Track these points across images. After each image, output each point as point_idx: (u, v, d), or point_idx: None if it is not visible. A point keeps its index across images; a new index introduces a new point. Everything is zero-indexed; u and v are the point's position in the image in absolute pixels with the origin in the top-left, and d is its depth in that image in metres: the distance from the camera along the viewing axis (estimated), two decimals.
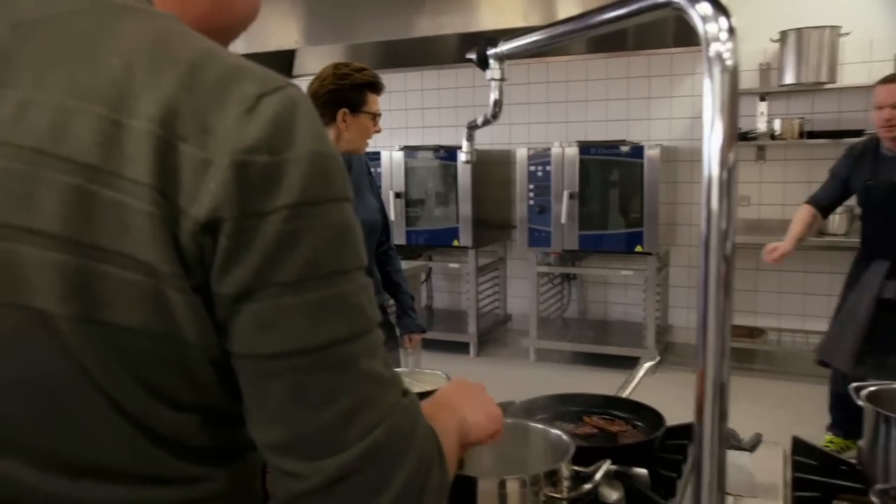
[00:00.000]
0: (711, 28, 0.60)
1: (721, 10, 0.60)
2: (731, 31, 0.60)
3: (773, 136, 4.78)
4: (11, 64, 0.53)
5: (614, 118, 5.27)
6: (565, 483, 0.95)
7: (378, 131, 2.14)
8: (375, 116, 2.11)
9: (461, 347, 5.20)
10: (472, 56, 1.00)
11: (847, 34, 4.53)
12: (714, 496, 0.64)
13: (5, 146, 0.51)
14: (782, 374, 4.62)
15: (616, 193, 4.67)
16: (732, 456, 1.28)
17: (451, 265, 5.44)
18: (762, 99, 4.90)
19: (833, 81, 4.55)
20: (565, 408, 1.45)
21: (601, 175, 4.69)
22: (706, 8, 0.60)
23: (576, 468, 1.00)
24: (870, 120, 4.62)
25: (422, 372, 1.56)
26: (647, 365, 1.59)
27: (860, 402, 1.20)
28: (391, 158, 5.20)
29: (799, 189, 4.92)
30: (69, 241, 0.50)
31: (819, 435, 3.51)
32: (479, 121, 1.08)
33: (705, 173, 0.63)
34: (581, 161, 4.68)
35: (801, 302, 4.99)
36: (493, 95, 1.03)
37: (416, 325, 2.38)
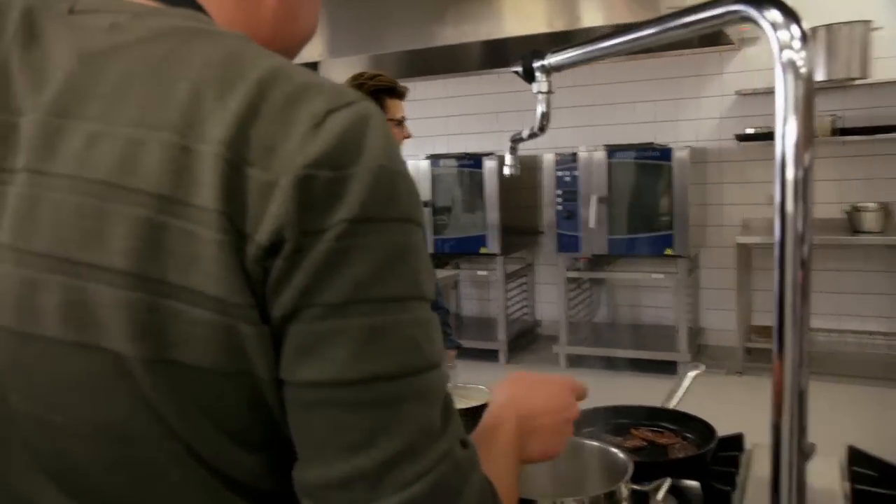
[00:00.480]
0: (783, 35, 0.58)
1: (792, 16, 0.59)
2: (804, 37, 0.58)
3: None
4: (81, 96, 0.52)
5: (641, 120, 5.23)
6: (624, 503, 0.93)
7: (407, 136, 2.11)
8: (400, 122, 2.08)
9: (491, 355, 5.18)
10: (518, 69, 0.99)
11: (879, 28, 4.45)
12: None
13: (77, 180, 0.50)
14: (823, 375, 4.53)
15: (645, 196, 4.63)
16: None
17: (480, 272, 5.43)
18: None
19: (865, 77, 4.47)
20: (613, 420, 1.43)
21: (629, 178, 4.65)
22: (776, 15, 0.58)
23: (634, 486, 0.98)
24: None
25: (464, 387, 1.54)
26: (693, 374, 1.56)
27: None
28: (417, 167, 5.21)
29: (831, 187, 4.84)
30: (138, 277, 0.48)
31: (867, 436, 3.43)
32: (525, 134, 1.07)
33: (778, 176, 0.61)
34: (609, 165, 4.64)
35: (836, 301, 4.90)
36: (541, 108, 1.01)
37: (450, 341, 2.33)
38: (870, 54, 4.47)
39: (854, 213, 4.50)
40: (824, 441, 1.33)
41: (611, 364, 4.87)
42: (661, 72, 5.15)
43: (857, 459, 1.29)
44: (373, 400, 0.49)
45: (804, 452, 0.65)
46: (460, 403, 1.46)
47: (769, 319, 3.92)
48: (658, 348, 4.78)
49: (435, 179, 5.19)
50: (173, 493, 0.53)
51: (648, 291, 5.39)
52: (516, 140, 1.10)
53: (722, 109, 5.05)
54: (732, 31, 4.65)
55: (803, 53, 0.57)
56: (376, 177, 0.49)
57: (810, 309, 0.62)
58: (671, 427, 1.41)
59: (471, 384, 1.55)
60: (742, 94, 4.92)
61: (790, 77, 0.58)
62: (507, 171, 1.13)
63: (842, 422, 3.63)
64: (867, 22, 4.42)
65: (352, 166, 0.49)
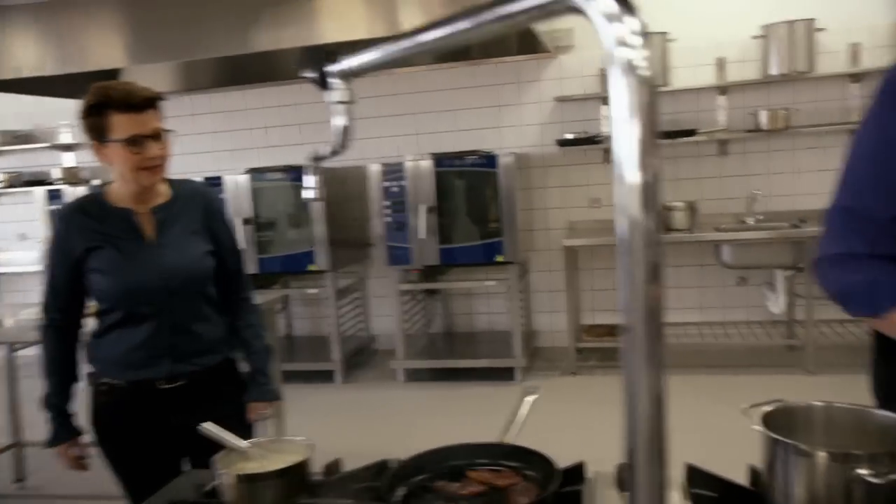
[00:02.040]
0: (617, 29, 0.45)
1: (627, 7, 0.46)
2: (642, 31, 0.46)
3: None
4: None
5: (465, 128, 5.23)
6: None
7: (160, 157, 1.69)
8: (136, 141, 1.65)
9: (325, 376, 4.95)
10: (311, 74, 0.81)
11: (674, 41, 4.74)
12: None
13: None
14: None
15: (473, 204, 4.61)
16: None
17: (310, 290, 5.17)
18: (605, 103, 5.04)
19: (667, 84, 4.74)
20: (448, 463, 1.29)
21: (457, 187, 4.62)
22: (609, 5, 0.46)
23: None
24: (701, 119, 4.86)
25: (280, 442, 1.34)
26: (530, 399, 1.46)
27: (754, 426, 1.12)
28: (237, 182, 4.87)
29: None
30: None
31: (688, 424, 3.58)
32: (326, 151, 0.89)
33: (618, 181, 0.49)
34: (436, 173, 4.58)
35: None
36: (340, 122, 0.84)
37: (264, 391, 1.94)
38: (669, 63, 4.75)
39: (665, 212, 4.75)
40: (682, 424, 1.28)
41: (449, 375, 4.81)
42: (483, 79, 5.18)
43: (696, 479, 1.24)
44: None
45: (664, 484, 0.55)
46: (274, 463, 1.26)
47: (598, 318, 3.99)
48: (495, 355, 4.78)
49: (256, 194, 4.88)
50: None
51: (482, 299, 5.41)
52: (317, 159, 0.93)
53: (542, 116, 5.16)
54: (549, 39, 4.76)
55: (641, 49, 0.45)
56: None
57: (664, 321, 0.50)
58: (511, 465, 1.29)
59: (289, 437, 1.35)
60: (560, 101, 5.06)
61: (627, 77, 0.45)
62: (306, 194, 0.95)
63: (696, 408, 3.78)
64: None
65: None
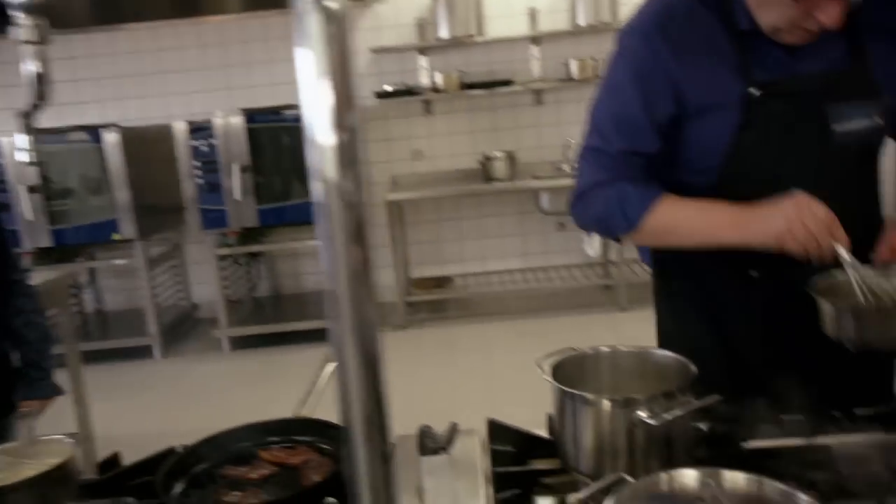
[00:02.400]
0: None
1: None
2: None
3: (436, 90, 4.88)
4: None
5: (282, 81, 4.97)
6: None
7: None
8: None
9: (143, 352, 4.61)
10: None
11: None
12: None
13: None
14: (475, 317, 4.84)
15: (292, 161, 4.41)
16: (431, 464, 1.13)
17: (118, 262, 4.76)
18: (422, 53, 4.97)
19: (482, 34, 4.75)
20: (236, 445, 1.19)
21: (273, 143, 4.39)
22: None
23: None
24: (516, 70, 4.95)
25: (40, 442, 1.17)
26: (332, 367, 1.38)
27: (545, 377, 1.12)
28: (11, 146, 4.32)
29: (466, 139, 5.13)
30: None
31: (520, 369, 3.70)
32: (29, 105, 0.74)
33: (310, 143, 0.43)
34: (249, 130, 4.32)
35: (480, 246, 5.27)
36: (33, 67, 0.69)
37: (37, 388, 1.73)
38: (483, 13, 4.76)
39: (486, 162, 4.82)
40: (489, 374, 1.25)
41: (277, 339, 4.64)
42: (291, 28, 4.93)
43: (497, 434, 1.23)
44: None
45: (386, 454, 0.49)
46: (27, 469, 1.09)
47: (427, 271, 3.97)
48: (322, 316, 4.66)
49: (44, 158, 4.36)
50: None
51: (310, 259, 5.25)
52: (25, 115, 0.77)
53: (359, 67, 5.01)
54: None
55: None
56: None
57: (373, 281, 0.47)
58: (305, 439, 1.22)
59: (48, 435, 1.18)
60: (376, 52, 4.93)
61: (314, 17, 0.37)
62: (20, 156, 0.79)
63: (496, 355, 3.90)
64: None
65: None
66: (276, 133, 4.38)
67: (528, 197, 4.94)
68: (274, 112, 4.40)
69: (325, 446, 1.19)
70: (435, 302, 4.95)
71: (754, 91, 1.18)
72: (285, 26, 4.92)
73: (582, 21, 4.75)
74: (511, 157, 4.81)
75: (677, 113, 1.22)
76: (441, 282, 5.07)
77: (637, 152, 1.24)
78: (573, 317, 4.65)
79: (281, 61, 4.98)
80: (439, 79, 4.84)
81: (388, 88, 4.86)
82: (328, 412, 1.27)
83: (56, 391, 1.79)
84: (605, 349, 1.15)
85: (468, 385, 3.69)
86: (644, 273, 4.71)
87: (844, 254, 1.10)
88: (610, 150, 1.25)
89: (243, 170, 4.30)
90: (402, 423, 1.36)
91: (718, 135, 1.20)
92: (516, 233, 5.24)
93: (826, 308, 1.14)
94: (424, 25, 4.90)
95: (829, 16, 1.09)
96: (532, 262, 5.25)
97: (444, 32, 4.67)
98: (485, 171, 4.83)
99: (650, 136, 1.23)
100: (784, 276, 1.20)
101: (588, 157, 1.29)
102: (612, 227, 1.28)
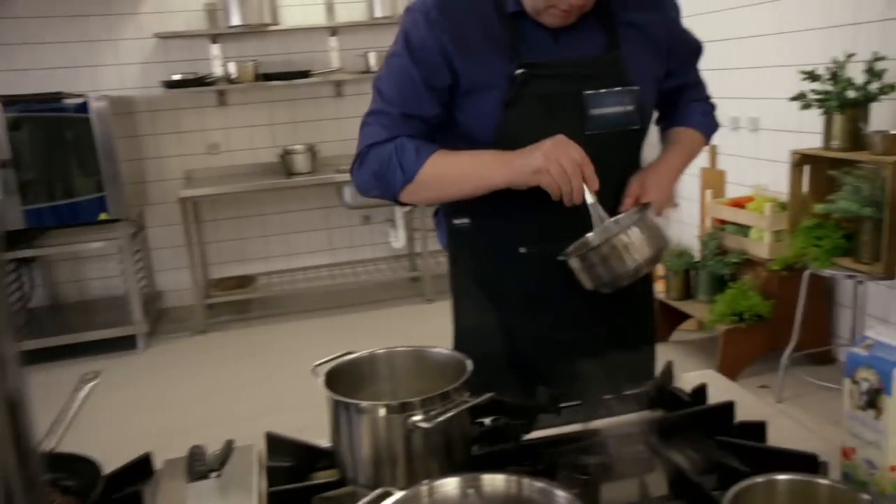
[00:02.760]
0: None
1: None
2: None
3: (230, 80, 4.63)
4: None
5: (48, 66, 4.47)
6: None
7: None
8: None
9: None
10: None
11: None
12: None
13: None
14: (281, 317, 4.67)
15: (63, 156, 3.97)
16: (197, 490, 1.03)
17: None
18: (214, 41, 4.69)
19: (277, 23, 4.57)
20: None
21: (40, 136, 3.93)
22: None
23: None
24: (314, 61, 4.83)
25: None
26: (86, 390, 1.22)
27: (319, 384, 1.05)
28: None
29: (265, 132, 4.93)
30: None
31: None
32: None
33: None
34: (9, 121, 3.83)
35: (285, 242, 5.10)
36: None
37: None
38: (277, 2, 4.58)
39: (287, 156, 4.66)
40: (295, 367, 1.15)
41: (58, 354, 4.16)
42: (67, 8, 4.46)
43: (275, 448, 1.15)
44: None
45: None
46: None
47: (228, 271, 3.74)
48: (112, 324, 4.27)
49: None
50: None
51: (94, 262, 4.79)
52: None
53: (143, 54, 4.64)
54: None
55: None
56: None
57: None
58: (50, 477, 1.06)
59: None
60: (162, 38, 4.59)
61: None
62: None
63: (304, 354, 3.74)
64: None
65: None
66: (42, 125, 3.91)
67: (331, 191, 4.85)
68: (40, 101, 3.93)
69: (70, 484, 1.04)
70: (238, 303, 4.72)
71: (519, 71, 1.24)
72: (50, 5, 4.42)
73: (379, 13, 4.72)
74: (312, 151, 4.69)
75: (454, 84, 1.27)
76: (243, 281, 4.84)
77: (417, 116, 1.28)
78: (381, 310, 4.63)
79: (49, 44, 4.47)
80: (233, 68, 4.60)
81: (178, 77, 4.54)
82: (81, 442, 1.12)
83: None
84: (380, 351, 1.11)
85: (273, 388, 3.54)
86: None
87: (588, 194, 1.16)
88: (391, 112, 1.29)
89: (3, 165, 3.81)
90: (197, 436, 1.24)
91: (490, 111, 1.26)
92: (321, 227, 5.13)
93: (572, 263, 1.20)
94: (214, 11, 4.63)
95: None
96: (338, 257, 5.17)
97: (235, 19, 4.43)
98: (286, 165, 4.66)
99: (429, 102, 1.28)
100: (548, 250, 1.26)
101: (369, 121, 1.32)
102: (390, 180, 1.28)
